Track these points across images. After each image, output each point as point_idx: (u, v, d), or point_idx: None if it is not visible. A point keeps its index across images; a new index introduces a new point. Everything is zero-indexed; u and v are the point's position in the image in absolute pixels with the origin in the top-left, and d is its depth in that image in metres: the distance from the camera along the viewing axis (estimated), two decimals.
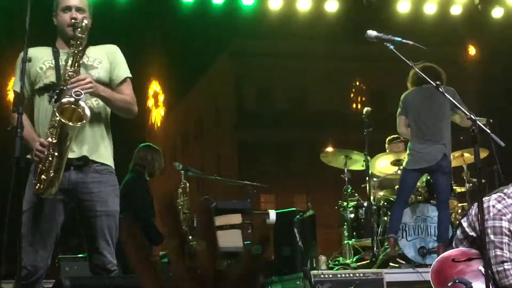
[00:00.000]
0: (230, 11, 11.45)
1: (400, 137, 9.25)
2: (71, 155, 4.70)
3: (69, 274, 7.46)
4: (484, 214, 5.25)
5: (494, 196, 5.71)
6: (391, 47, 5.16)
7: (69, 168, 4.72)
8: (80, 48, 4.79)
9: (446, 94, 5.17)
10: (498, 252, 5.48)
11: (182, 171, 7.57)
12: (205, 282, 1.00)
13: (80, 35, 4.80)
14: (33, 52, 4.86)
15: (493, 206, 5.60)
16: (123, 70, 5.04)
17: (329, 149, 10.09)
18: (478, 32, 13.75)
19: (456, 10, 11.98)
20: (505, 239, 5.51)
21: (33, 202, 4.70)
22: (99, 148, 4.86)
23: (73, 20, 4.85)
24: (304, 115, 34.73)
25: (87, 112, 4.58)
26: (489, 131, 4.94)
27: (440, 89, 5.13)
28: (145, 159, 8.02)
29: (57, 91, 4.67)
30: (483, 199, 5.39)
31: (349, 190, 9.12)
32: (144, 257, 1.04)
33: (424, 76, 5.19)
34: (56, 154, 4.58)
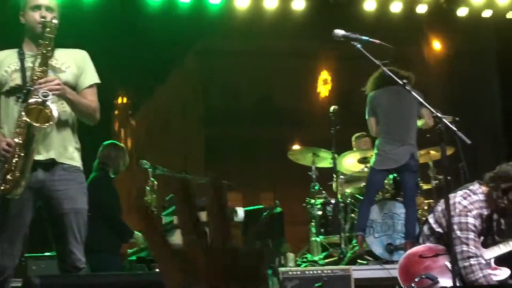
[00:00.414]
0: (197, 10, 11.44)
1: (366, 133, 9.32)
2: (38, 157, 4.68)
3: (36, 272, 7.41)
4: (450, 210, 5.31)
5: (460, 192, 5.79)
6: (359, 46, 5.19)
7: (36, 168, 4.70)
8: (49, 49, 4.76)
9: (413, 92, 5.22)
10: (464, 248, 5.55)
11: (150, 169, 7.57)
12: (219, 263, 1.02)
13: (49, 35, 4.77)
14: None
15: (459, 203, 5.67)
16: (90, 77, 5.02)
17: (297, 146, 10.13)
18: (443, 31, 13.86)
19: (421, 9, 12.08)
20: (471, 235, 5.58)
21: (0, 202, 4.67)
22: (67, 151, 4.84)
23: (42, 19, 4.82)
24: (272, 112, 34.75)
25: (55, 113, 4.55)
26: (455, 129, 5.00)
27: (407, 87, 5.18)
28: (109, 157, 7.99)
29: (25, 91, 4.65)
30: (449, 195, 5.45)
31: (316, 188, 9.16)
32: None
33: (392, 75, 5.22)
34: (22, 154, 4.55)
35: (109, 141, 8.28)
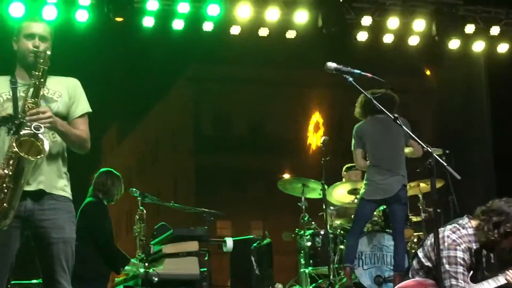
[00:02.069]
0: (190, 36, 11.47)
1: None
2: (27, 188, 4.64)
3: None
4: (439, 244, 5.30)
5: (449, 227, 5.78)
6: (350, 79, 5.17)
7: (25, 198, 4.67)
8: (42, 80, 4.73)
9: (403, 127, 5.21)
10: (453, 282, 5.53)
11: (139, 198, 7.54)
12: None
13: (42, 66, 4.74)
14: None
15: (448, 237, 5.67)
16: (81, 106, 4.99)
17: (286, 176, 10.10)
18: (435, 63, 13.94)
19: (413, 40, 12.13)
20: (460, 269, 5.57)
21: None
22: (56, 182, 4.80)
23: (35, 49, 4.79)
24: (262, 141, 34.78)
25: (46, 146, 4.52)
26: (445, 164, 4.99)
27: (398, 121, 5.17)
28: (105, 185, 7.97)
29: (16, 122, 4.62)
30: (439, 229, 5.44)
31: (306, 218, 9.14)
32: None
33: (383, 109, 5.20)
34: (11, 186, 4.51)
35: (106, 169, 8.25)
